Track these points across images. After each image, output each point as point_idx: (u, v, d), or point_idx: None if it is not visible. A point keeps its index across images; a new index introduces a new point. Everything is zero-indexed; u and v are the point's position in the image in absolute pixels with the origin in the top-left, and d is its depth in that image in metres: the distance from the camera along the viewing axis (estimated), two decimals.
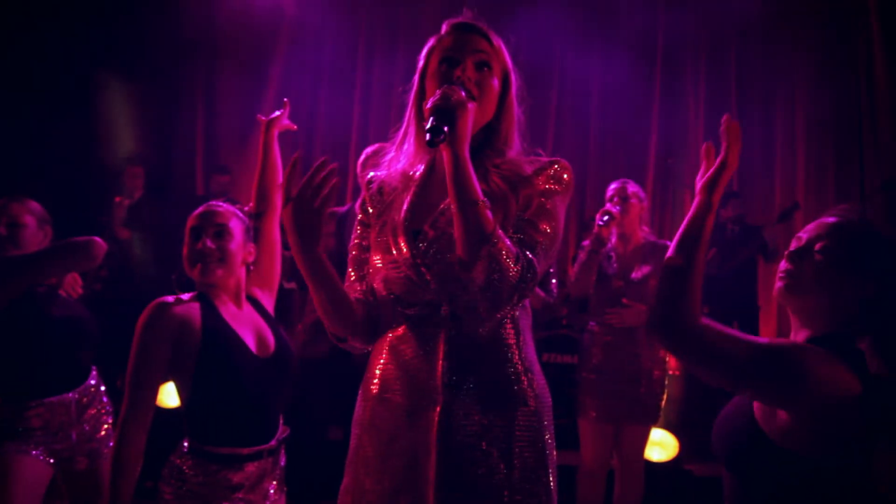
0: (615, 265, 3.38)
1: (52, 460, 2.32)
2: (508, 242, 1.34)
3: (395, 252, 1.46)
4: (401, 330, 1.48)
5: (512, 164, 1.51)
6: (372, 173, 1.64)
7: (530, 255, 1.37)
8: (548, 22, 6.47)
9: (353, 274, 1.60)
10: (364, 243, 1.60)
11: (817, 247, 1.46)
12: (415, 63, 1.56)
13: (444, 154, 1.34)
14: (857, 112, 6.27)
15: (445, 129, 1.32)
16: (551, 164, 1.50)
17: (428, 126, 1.32)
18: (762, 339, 1.39)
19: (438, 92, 1.38)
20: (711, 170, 1.41)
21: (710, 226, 1.41)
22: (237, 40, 6.91)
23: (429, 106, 1.36)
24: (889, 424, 1.38)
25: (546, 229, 1.43)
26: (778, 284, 1.50)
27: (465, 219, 1.32)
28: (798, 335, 1.49)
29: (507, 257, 1.32)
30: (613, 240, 3.42)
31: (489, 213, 1.34)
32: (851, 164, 6.34)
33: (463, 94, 1.39)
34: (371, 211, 1.59)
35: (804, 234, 1.51)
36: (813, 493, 1.35)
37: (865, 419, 1.34)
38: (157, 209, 5.92)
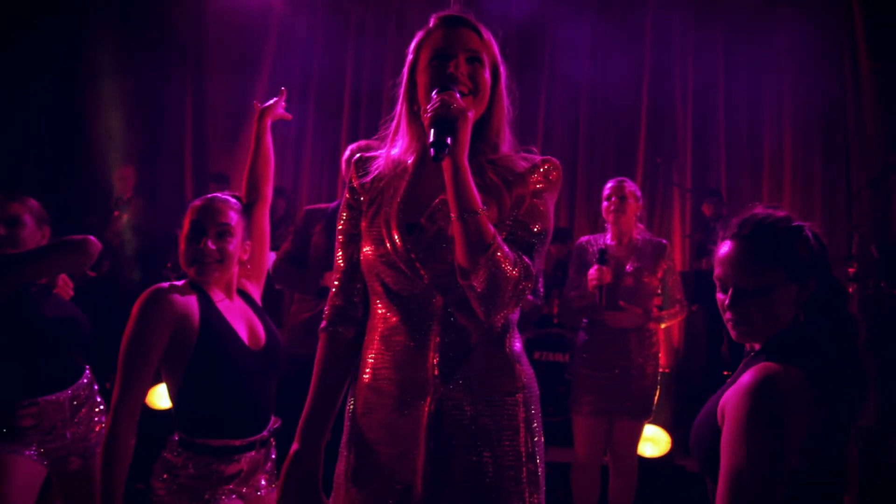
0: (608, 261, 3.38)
1: (45, 461, 2.30)
2: (507, 249, 1.36)
3: (388, 245, 1.46)
4: (393, 321, 1.49)
5: (506, 161, 1.52)
6: (359, 155, 1.64)
7: (526, 259, 1.40)
8: None
9: (342, 261, 1.59)
10: (353, 231, 1.59)
11: (746, 287, 1.44)
12: (402, 61, 1.56)
13: (444, 163, 1.35)
14: (843, 108, 6.32)
15: (448, 140, 1.32)
16: (543, 162, 1.53)
17: (431, 140, 1.32)
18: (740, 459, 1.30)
19: (437, 99, 1.37)
20: None
21: None
22: (226, 40, 6.89)
23: (429, 115, 1.35)
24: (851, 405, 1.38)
25: (539, 230, 1.46)
26: (732, 333, 1.49)
27: (466, 228, 1.33)
28: (755, 345, 1.50)
29: (506, 264, 1.34)
30: (608, 237, 3.43)
31: (489, 222, 1.35)
32: (838, 159, 6.39)
33: (461, 98, 1.40)
34: (362, 199, 1.59)
35: (721, 275, 1.48)
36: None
37: (825, 417, 1.35)
38: (146, 211, 5.91)
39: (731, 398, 1.37)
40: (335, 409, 1.55)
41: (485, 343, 1.47)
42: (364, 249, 1.52)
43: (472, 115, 1.38)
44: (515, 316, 1.54)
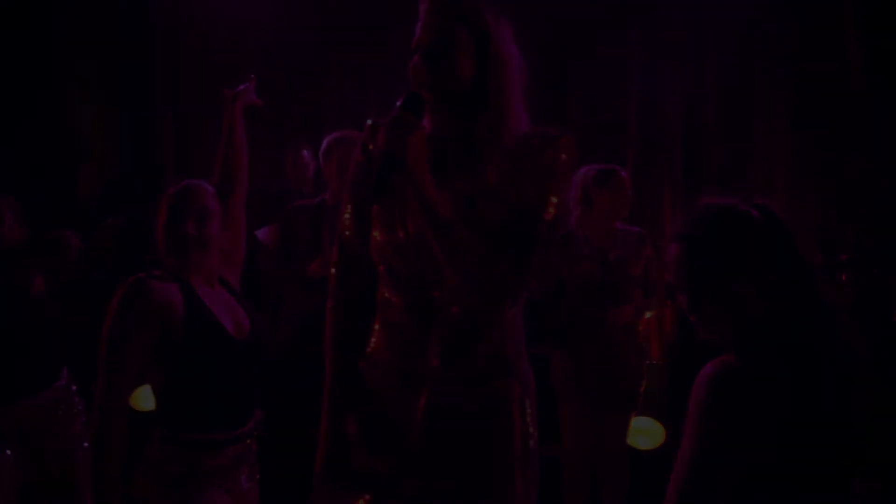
0: (586, 250, 3.30)
1: (22, 464, 2.27)
2: (504, 250, 1.33)
3: (401, 233, 1.43)
4: (397, 307, 1.46)
5: (516, 144, 1.44)
6: (371, 121, 1.58)
7: (526, 259, 1.36)
8: None
9: (350, 214, 1.56)
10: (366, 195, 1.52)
11: (697, 290, 1.40)
12: (387, 68, 1.55)
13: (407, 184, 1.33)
14: (834, 92, 6.31)
15: (394, 180, 1.30)
16: (555, 139, 1.44)
17: (373, 183, 1.30)
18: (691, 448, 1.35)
19: (388, 123, 1.35)
20: None
21: None
22: (206, 48, 6.83)
23: (380, 146, 1.34)
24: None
25: (546, 221, 1.40)
26: (701, 335, 1.47)
27: (445, 246, 1.33)
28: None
29: (502, 268, 1.32)
30: (591, 228, 3.37)
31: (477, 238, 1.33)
32: (830, 145, 6.38)
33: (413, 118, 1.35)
34: None
35: (673, 280, 1.46)
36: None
37: (800, 406, 1.31)
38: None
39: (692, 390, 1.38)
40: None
41: (485, 337, 1.44)
42: (374, 233, 1.48)
43: (421, 135, 1.35)
44: (518, 308, 1.51)
